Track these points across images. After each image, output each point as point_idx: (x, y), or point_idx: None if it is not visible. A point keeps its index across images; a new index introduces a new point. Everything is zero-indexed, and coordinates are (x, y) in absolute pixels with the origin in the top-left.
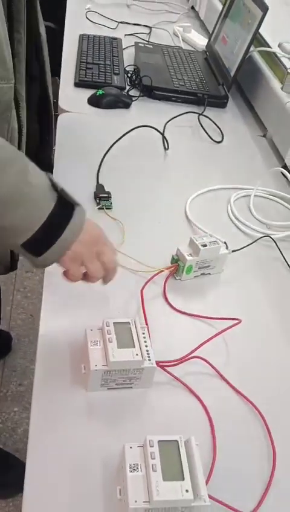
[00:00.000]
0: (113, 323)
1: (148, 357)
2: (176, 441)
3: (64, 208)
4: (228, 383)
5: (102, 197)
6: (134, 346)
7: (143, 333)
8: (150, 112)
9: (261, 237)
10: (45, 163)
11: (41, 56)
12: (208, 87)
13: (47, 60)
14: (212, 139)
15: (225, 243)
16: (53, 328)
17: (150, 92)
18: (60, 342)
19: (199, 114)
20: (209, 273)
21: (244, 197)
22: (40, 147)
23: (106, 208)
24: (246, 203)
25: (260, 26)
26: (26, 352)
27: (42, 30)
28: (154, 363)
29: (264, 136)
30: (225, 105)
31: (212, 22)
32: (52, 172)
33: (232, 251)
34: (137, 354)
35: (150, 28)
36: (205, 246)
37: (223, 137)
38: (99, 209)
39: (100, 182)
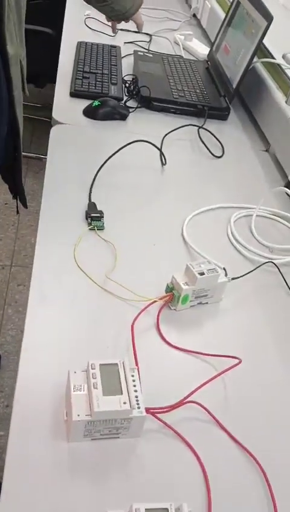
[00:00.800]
0: (100, 365)
1: (138, 404)
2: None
3: None
4: (225, 431)
5: (94, 216)
6: (122, 393)
7: (133, 376)
8: (148, 124)
9: (264, 263)
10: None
11: (8, 74)
12: (209, 99)
13: (16, 78)
14: (212, 153)
15: (224, 269)
16: (34, 367)
17: (149, 103)
18: (42, 382)
19: (199, 127)
20: (206, 302)
21: (245, 217)
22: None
23: (98, 229)
24: (247, 223)
25: (264, 37)
26: (15, 371)
27: (11, 48)
28: (143, 412)
29: (266, 150)
30: (226, 117)
31: (215, 31)
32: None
33: (232, 279)
34: (125, 403)
35: (151, 35)
36: (202, 274)
37: (223, 152)
38: (90, 229)
39: (92, 200)
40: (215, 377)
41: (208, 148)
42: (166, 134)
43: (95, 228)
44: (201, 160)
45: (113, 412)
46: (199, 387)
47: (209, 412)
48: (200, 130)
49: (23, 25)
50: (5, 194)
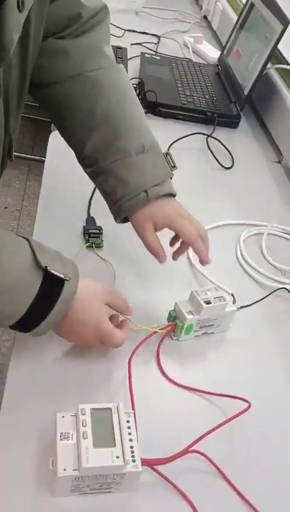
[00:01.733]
0: (91, 410)
1: (133, 457)
2: None
3: (51, 287)
4: (231, 485)
5: (92, 233)
6: (114, 445)
7: (128, 421)
8: (154, 131)
9: (276, 290)
10: None
11: None
12: (219, 105)
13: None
14: (221, 164)
15: (232, 295)
16: (18, 405)
17: (155, 109)
18: (26, 425)
19: (208, 136)
20: (212, 332)
21: (255, 235)
22: None
23: (96, 246)
24: (258, 242)
25: (279, 41)
26: None
27: None
28: (139, 467)
29: (279, 162)
30: (237, 125)
31: (226, 33)
32: None
33: (241, 307)
34: (118, 457)
35: (159, 37)
36: (209, 303)
37: (233, 163)
38: (87, 247)
39: (91, 214)
40: (221, 424)
41: (216, 159)
42: (172, 143)
43: (93, 246)
44: (209, 171)
45: (105, 468)
46: (203, 436)
47: (213, 464)
48: (209, 138)
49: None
50: (5, 197)
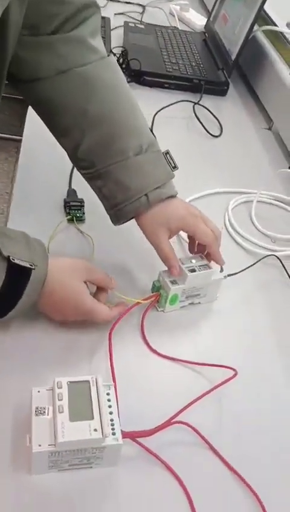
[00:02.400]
0: (68, 383)
1: (113, 430)
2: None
3: (17, 276)
4: (218, 456)
5: (73, 205)
6: (92, 417)
7: (108, 394)
8: (139, 101)
9: (265, 257)
10: None
11: None
12: (206, 73)
13: None
14: (209, 132)
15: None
16: None
17: (139, 78)
18: (1, 402)
19: (195, 103)
20: (199, 303)
21: (245, 203)
22: None
23: (77, 220)
24: (247, 210)
25: (264, 3)
26: None
27: None
28: (120, 439)
29: (269, 129)
30: (225, 92)
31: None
32: None
33: (228, 275)
34: (96, 429)
35: (144, 6)
36: (193, 271)
37: (222, 131)
38: (69, 220)
39: (73, 187)
40: (206, 393)
41: (204, 127)
42: (158, 112)
43: (74, 219)
44: (197, 139)
45: (82, 442)
46: (188, 406)
47: (199, 434)
48: (195, 106)
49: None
50: None
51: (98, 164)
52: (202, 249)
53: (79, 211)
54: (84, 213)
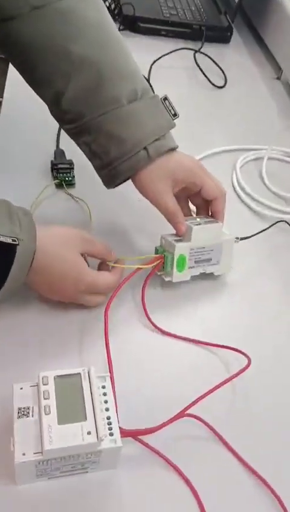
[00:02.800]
0: (55, 378)
1: (110, 430)
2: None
3: (1, 253)
4: (230, 450)
5: (61, 168)
6: (85, 418)
7: (103, 387)
8: (133, 50)
9: (278, 222)
10: None
11: None
12: (207, 17)
13: None
14: (212, 83)
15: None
16: None
17: (133, 24)
18: None
19: (196, 51)
20: (212, 273)
21: (254, 161)
22: None
23: (66, 184)
24: (257, 169)
25: None
26: None
27: None
28: (118, 441)
29: (278, 78)
30: (228, 39)
31: None
32: None
33: (240, 239)
34: (89, 432)
35: None
36: (199, 224)
37: (226, 81)
38: (57, 185)
39: (60, 147)
40: (220, 385)
41: (207, 77)
42: (155, 61)
43: (63, 183)
44: (199, 92)
45: (73, 448)
46: (199, 399)
47: (211, 428)
48: (197, 54)
49: None
50: None
51: (86, 115)
52: (205, 209)
53: (68, 174)
54: (74, 176)
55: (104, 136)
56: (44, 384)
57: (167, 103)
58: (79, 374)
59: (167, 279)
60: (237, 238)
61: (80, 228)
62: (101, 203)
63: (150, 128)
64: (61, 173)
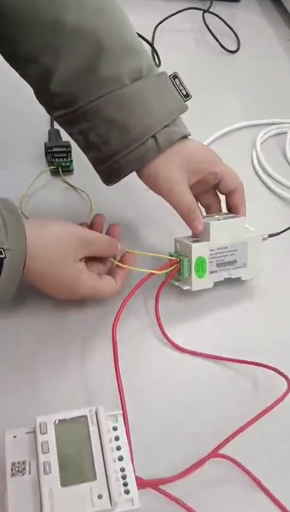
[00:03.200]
0: (56, 424)
1: (125, 487)
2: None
3: None
4: (272, 498)
5: (57, 152)
6: (94, 477)
7: (115, 429)
8: (133, 11)
9: None
10: None
11: None
12: None
13: None
14: (223, 47)
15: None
16: None
17: None
18: None
19: (204, 11)
20: (239, 277)
21: (276, 137)
22: None
23: (63, 171)
24: (279, 145)
25: None
26: None
27: None
28: (136, 501)
29: None
30: None
31: None
32: None
33: (268, 236)
34: (100, 496)
35: None
36: (217, 220)
37: (239, 45)
38: (52, 172)
39: (56, 126)
40: (257, 418)
41: (218, 41)
42: (158, 24)
43: (60, 169)
44: (209, 57)
45: None
46: (234, 436)
47: (242, 468)
48: (205, 15)
49: None
50: None
51: (81, 99)
52: (217, 208)
53: (65, 159)
54: (71, 161)
55: (103, 123)
56: (42, 434)
57: (177, 81)
58: (85, 416)
59: (185, 287)
60: (264, 234)
61: (80, 221)
62: (103, 193)
63: (159, 112)
64: (57, 158)
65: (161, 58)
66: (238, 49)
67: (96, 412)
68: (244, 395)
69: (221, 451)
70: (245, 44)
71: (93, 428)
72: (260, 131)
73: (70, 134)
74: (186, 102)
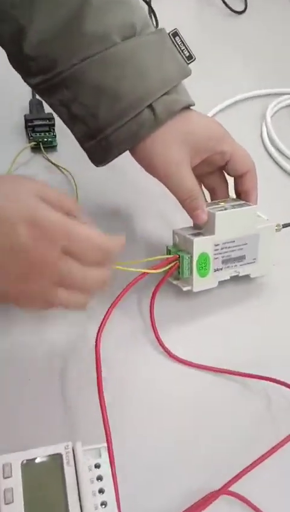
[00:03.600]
0: (22, 464)
1: None
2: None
3: None
4: None
5: (38, 125)
6: None
7: (97, 467)
8: None
9: None
10: None
11: None
12: None
13: None
14: (229, 7)
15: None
16: None
17: None
18: None
19: None
20: (248, 275)
21: (288, 108)
22: None
23: (45, 147)
24: None
25: None
26: None
27: None
28: None
29: None
30: None
31: None
32: None
33: (283, 226)
34: None
35: None
36: (224, 210)
37: (246, 4)
38: (33, 148)
39: (38, 97)
40: (273, 450)
41: (223, 0)
42: None
43: (41, 145)
44: (213, 18)
45: None
46: (245, 472)
47: (253, 507)
48: None
49: None
50: None
51: (61, 62)
52: (224, 192)
53: (48, 133)
54: (55, 136)
55: (88, 91)
56: (5, 478)
57: (178, 40)
58: (59, 454)
59: (185, 288)
60: (278, 224)
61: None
62: (90, 173)
63: (156, 76)
64: (38, 132)
65: (158, 19)
66: (245, 9)
67: (73, 448)
68: (256, 416)
69: (231, 489)
70: (252, 3)
71: (69, 470)
72: (270, 102)
73: (51, 106)
74: (190, 65)
